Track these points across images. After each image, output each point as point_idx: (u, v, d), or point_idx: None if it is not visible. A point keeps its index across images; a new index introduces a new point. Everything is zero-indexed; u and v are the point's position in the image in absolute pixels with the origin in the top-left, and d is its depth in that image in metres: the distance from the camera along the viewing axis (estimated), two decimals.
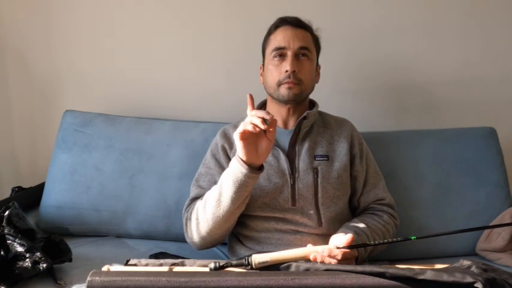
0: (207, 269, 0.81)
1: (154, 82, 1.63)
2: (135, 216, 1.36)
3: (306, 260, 0.86)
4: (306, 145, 1.15)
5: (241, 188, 0.99)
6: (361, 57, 1.61)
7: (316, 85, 1.21)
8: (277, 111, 1.18)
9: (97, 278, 0.71)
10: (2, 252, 1.00)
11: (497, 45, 1.61)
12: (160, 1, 1.60)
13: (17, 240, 1.02)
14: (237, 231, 1.15)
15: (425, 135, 1.43)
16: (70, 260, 1.07)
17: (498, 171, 1.39)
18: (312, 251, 0.87)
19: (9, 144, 1.69)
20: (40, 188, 1.44)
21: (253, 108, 0.99)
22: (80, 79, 1.64)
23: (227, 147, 1.18)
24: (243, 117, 1.25)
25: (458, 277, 0.71)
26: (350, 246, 0.88)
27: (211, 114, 1.57)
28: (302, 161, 1.13)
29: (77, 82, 1.65)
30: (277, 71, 1.13)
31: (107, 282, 0.70)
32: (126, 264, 0.86)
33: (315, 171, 1.12)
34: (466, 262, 0.80)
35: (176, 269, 0.83)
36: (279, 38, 1.14)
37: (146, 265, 0.85)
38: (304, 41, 1.13)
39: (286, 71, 1.11)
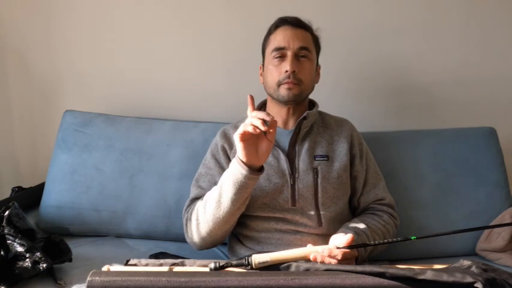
0: (207, 269, 0.81)
1: (154, 82, 1.63)
2: (135, 216, 1.36)
3: (306, 260, 0.86)
4: (305, 145, 1.15)
5: (241, 189, 0.99)
6: (361, 57, 1.61)
7: (316, 85, 1.21)
8: (277, 112, 1.18)
9: (97, 278, 0.71)
10: (2, 252, 1.00)
11: (497, 45, 1.61)
12: (160, 1, 1.60)
13: (17, 240, 1.02)
14: (237, 231, 1.15)
15: (425, 135, 1.43)
16: (70, 260, 1.07)
17: (498, 171, 1.39)
18: (312, 251, 0.87)
19: (9, 144, 1.69)
20: (40, 188, 1.44)
21: (254, 108, 0.98)
22: (80, 79, 1.64)
23: (227, 147, 1.18)
24: (243, 117, 1.25)
25: (458, 277, 0.71)
26: (350, 246, 0.88)
27: (211, 114, 1.57)
28: (302, 161, 1.13)
29: (77, 82, 1.65)
30: (277, 71, 1.13)
31: (107, 282, 0.70)
32: (126, 264, 0.86)
33: (315, 172, 1.12)
34: (466, 262, 0.80)
35: (176, 269, 0.83)
36: (279, 38, 1.14)
37: (146, 265, 0.85)
38: (304, 41, 1.13)
39: (286, 71, 1.11)
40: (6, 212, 1.08)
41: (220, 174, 1.14)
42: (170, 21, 1.61)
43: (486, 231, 1.29)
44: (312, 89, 1.19)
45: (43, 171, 1.47)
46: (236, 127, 1.22)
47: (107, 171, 1.38)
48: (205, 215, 1.05)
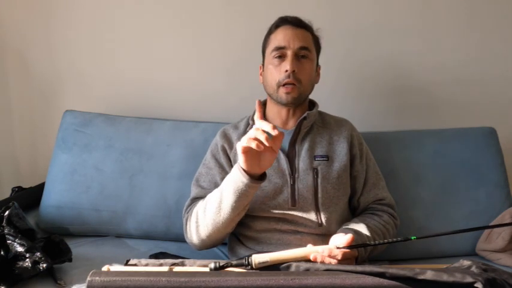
0: (207, 269, 0.81)
1: (154, 82, 1.63)
2: (135, 216, 1.36)
3: (306, 260, 0.85)
4: (305, 145, 1.15)
5: (241, 197, 0.98)
6: (361, 57, 1.61)
7: (316, 85, 1.21)
8: (277, 111, 1.18)
9: (97, 278, 0.71)
10: (2, 252, 1.00)
11: (497, 45, 1.61)
12: (160, 1, 1.60)
13: (17, 240, 1.02)
14: (237, 231, 1.15)
15: (426, 135, 1.43)
16: (70, 260, 1.07)
17: (498, 171, 1.39)
18: (312, 251, 0.87)
19: (9, 144, 1.69)
20: (40, 188, 1.44)
21: (262, 116, 0.97)
22: (80, 79, 1.64)
23: (227, 147, 1.18)
24: (243, 117, 1.26)
25: (458, 277, 0.71)
26: (350, 246, 0.88)
27: (211, 114, 1.57)
28: (302, 161, 1.13)
29: (77, 82, 1.65)
30: (277, 71, 1.12)
31: (107, 282, 0.70)
32: (126, 264, 0.86)
33: (315, 172, 1.12)
34: (466, 262, 0.80)
35: (176, 269, 0.83)
36: (279, 37, 1.14)
37: (146, 265, 0.85)
38: (304, 41, 1.13)
39: (286, 71, 1.10)
40: (6, 212, 1.08)
41: (221, 174, 1.14)
42: (170, 21, 1.61)
43: (486, 232, 1.29)
44: (312, 89, 1.19)
45: (43, 171, 1.47)
46: (236, 127, 1.23)
47: (107, 171, 1.38)
48: (205, 219, 1.05)
